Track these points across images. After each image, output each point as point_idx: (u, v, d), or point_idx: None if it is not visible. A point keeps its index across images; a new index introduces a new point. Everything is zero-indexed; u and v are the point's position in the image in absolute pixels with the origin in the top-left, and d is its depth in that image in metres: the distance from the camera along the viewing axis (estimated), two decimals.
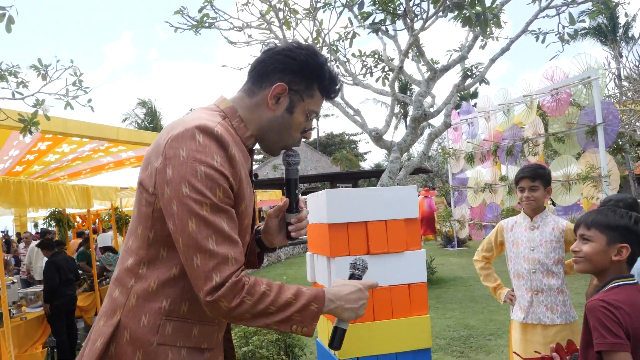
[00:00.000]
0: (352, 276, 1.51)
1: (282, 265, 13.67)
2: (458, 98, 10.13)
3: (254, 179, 1.53)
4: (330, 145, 44.51)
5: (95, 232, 10.92)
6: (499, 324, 5.94)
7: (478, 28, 8.78)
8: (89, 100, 4.34)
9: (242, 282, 1.25)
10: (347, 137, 46.56)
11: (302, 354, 4.06)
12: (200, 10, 7.84)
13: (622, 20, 29.24)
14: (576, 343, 2.91)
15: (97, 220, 13.60)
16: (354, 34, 8.84)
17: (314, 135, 46.25)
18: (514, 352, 3.01)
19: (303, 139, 1.55)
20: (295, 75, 1.45)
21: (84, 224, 12.88)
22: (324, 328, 2.32)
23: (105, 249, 8.62)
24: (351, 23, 8.75)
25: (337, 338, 1.44)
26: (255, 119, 1.46)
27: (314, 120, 1.55)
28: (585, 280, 8.29)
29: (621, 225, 1.79)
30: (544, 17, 9.23)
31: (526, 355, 2.99)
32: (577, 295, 6.56)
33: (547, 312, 2.92)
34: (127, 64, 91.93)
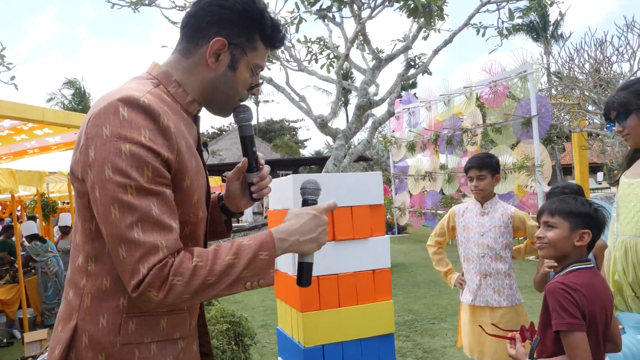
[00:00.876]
0: (305, 202, 1.36)
1: None
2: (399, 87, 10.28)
3: (202, 147, 1.40)
4: (270, 131, 44.19)
5: (19, 219, 10.26)
6: (442, 308, 6.10)
7: (422, 19, 8.93)
8: (12, 78, 3.99)
9: (168, 265, 1.10)
10: (287, 123, 46.36)
11: (252, 343, 3.99)
12: None
13: (552, 18, 30.92)
14: (520, 324, 3.02)
15: (19, 207, 12.78)
16: (301, 20, 8.73)
17: (253, 121, 45.61)
18: (487, 332, 3.04)
19: (251, 96, 1.42)
20: (234, 26, 1.29)
21: (4, 211, 12.07)
22: (285, 316, 2.26)
23: (32, 238, 8.09)
24: (298, 8, 8.63)
25: (304, 274, 1.31)
26: (195, 81, 1.31)
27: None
28: (521, 264, 8.67)
29: (583, 212, 1.87)
30: (484, 11, 9.50)
31: (475, 336, 3.08)
32: (518, 279, 6.84)
33: (494, 294, 3.03)
34: (52, 41, 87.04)
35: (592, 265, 1.89)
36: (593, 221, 1.87)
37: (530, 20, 29.65)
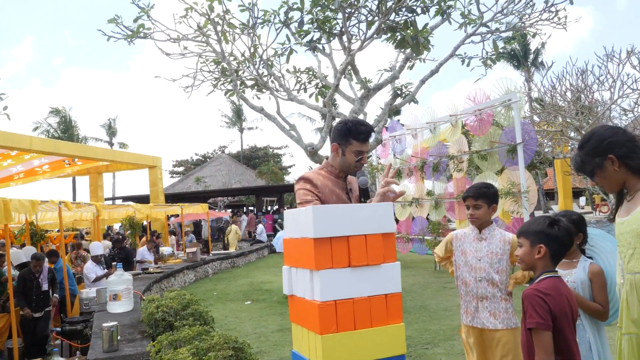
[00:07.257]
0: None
1: (211, 280, 13.39)
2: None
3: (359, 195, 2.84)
4: (254, 158, 44.29)
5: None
6: (434, 334, 6.18)
7: (409, 50, 9.19)
8: (5, 108, 4.09)
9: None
10: (271, 150, 46.53)
11: None
12: (135, 20, 7.65)
13: (532, 47, 31.87)
14: (517, 349, 3.15)
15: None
16: (291, 51, 8.95)
17: (237, 147, 45.87)
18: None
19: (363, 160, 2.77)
20: (339, 136, 2.74)
21: None
22: (302, 339, 2.36)
23: (22, 266, 8.01)
24: (288, 40, 8.86)
25: None
26: (336, 163, 2.77)
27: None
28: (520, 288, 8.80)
29: (537, 230, 2.28)
30: (469, 42, 9.81)
31: (480, 356, 3.21)
32: (518, 301, 6.93)
33: (490, 317, 3.14)
34: (31, 70, 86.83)
35: (559, 274, 2.28)
36: (547, 236, 2.24)
37: (512, 49, 30.61)
